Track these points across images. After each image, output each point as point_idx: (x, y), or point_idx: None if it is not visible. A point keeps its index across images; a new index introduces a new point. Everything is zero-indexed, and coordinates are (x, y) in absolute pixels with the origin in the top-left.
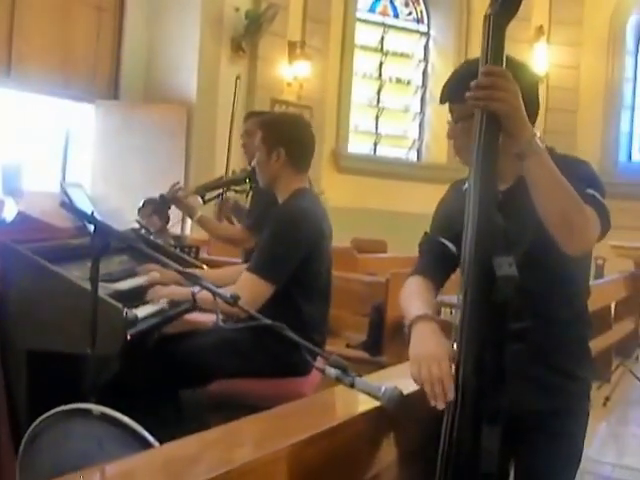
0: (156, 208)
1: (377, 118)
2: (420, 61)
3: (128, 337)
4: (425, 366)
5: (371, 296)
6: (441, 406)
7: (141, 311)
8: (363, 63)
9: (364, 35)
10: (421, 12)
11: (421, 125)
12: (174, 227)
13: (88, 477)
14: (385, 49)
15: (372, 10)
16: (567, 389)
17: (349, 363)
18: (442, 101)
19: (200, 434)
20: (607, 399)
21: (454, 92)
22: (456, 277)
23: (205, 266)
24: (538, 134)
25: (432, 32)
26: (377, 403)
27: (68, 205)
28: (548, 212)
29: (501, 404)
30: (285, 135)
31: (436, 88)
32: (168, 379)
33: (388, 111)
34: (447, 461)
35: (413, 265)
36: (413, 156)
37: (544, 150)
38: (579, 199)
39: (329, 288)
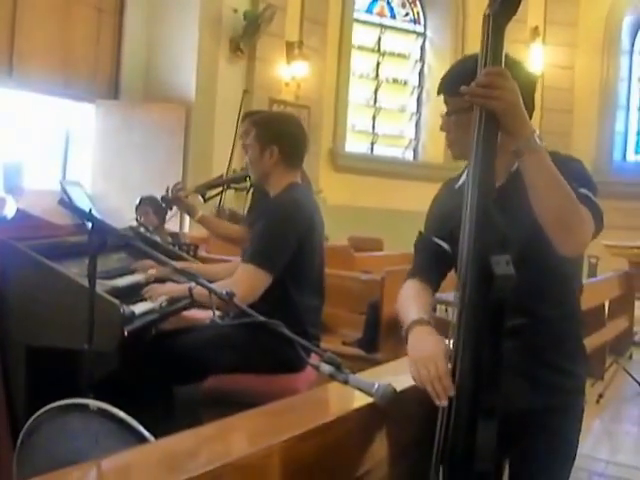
0: (156, 209)
1: (374, 118)
2: (417, 61)
3: (125, 333)
4: (423, 367)
5: (367, 294)
6: (444, 403)
7: (138, 308)
8: (360, 63)
9: (361, 35)
10: (418, 13)
11: (417, 125)
12: (172, 224)
13: (85, 471)
14: (382, 49)
15: (369, 11)
16: (562, 386)
17: (345, 360)
18: (438, 93)
19: (195, 429)
20: (600, 396)
21: (449, 85)
22: (452, 275)
23: (199, 263)
24: (537, 132)
25: (428, 33)
26: (370, 400)
27: (66, 203)
28: (545, 211)
29: (497, 402)
30: (278, 133)
31: (433, 88)
32: (164, 375)
33: (385, 111)
34: (442, 458)
35: (409, 264)
36: (409, 155)
37: (543, 148)
38: (576, 199)
39: (322, 280)
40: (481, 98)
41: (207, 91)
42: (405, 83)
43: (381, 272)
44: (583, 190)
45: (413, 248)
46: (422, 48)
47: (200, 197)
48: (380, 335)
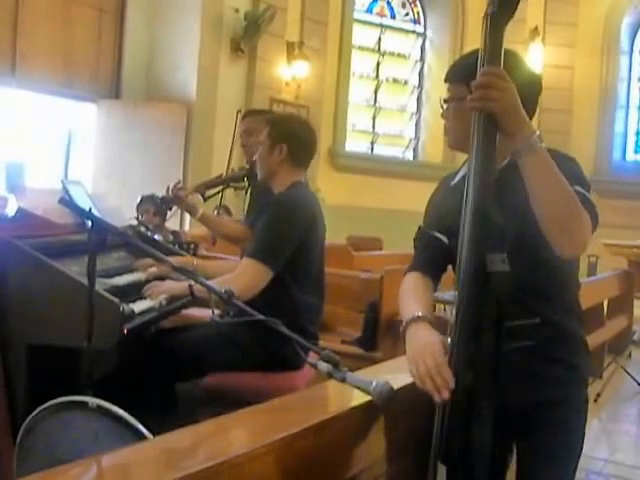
0: (156, 209)
1: (374, 117)
2: (417, 61)
3: (125, 331)
4: (421, 362)
5: (366, 293)
6: (446, 396)
7: (138, 306)
8: (360, 63)
9: (361, 36)
10: (418, 13)
11: (417, 124)
12: (172, 223)
13: (84, 467)
14: (382, 49)
15: (369, 11)
16: (562, 378)
17: (344, 359)
18: (445, 80)
19: (194, 426)
20: (598, 395)
21: (451, 72)
22: (450, 274)
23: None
24: (538, 132)
25: (428, 33)
26: (368, 397)
27: (66, 201)
28: (546, 213)
29: (494, 398)
30: (289, 132)
31: (432, 88)
32: (164, 372)
33: (385, 111)
34: (439, 455)
35: (409, 262)
36: (409, 155)
37: (543, 149)
38: (578, 201)
39: (322, 278)
40: (479, 100)
41: (208, 91)
42: (405, 83)
43: (381, 271)
44: (578, 188)
45: (413, 243)
46: (422, 48)
47: (200, 196)
48: (379, 334)
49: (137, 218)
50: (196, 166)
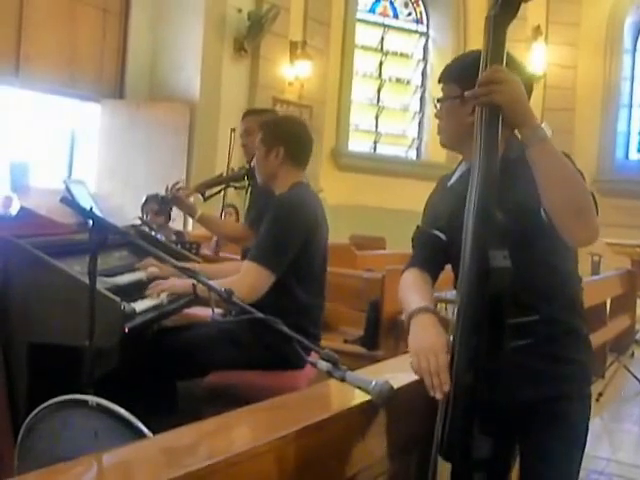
0: (158, 208)
1: (377, 117)
2: (419, 61)
3: (126, 330)
4: (424, 358)
5: (368, 292)
6: (439, 396)
7: (140, 305)
8: (363, 63)
9: (364, 35)
10: (420, 13)
11: (420, 124)
12: (176, 223)
13: (85, 465)
14: (385, 49)
15: (372, 11)
16: (564, 374)
17: (346, 358)
18: (438, 81)
19: (194, 425)
20: (600, 395)
21: (444, 72)
22: (450, 274)
23: (202, 261)
24: (544, 124)
25: (431, 32)
26: (368, 397)
27: (67, 200)
28: (559, 199)
29: (495, 396)
30: (284, 134)
31: (435, 88)
32: (166, 371)
33: (388, 110)
34: (441, 453)
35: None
36: (412, 154)
37: (549, 138)
38: (586, 186)
39: (324, 278)
40: (484, 95)
41: (211, 90)
42: (408, 82)
43: (383, 270)
44: None
45: (411, 242)
46: (425, 48)
47: (200, 196)
48: (381, 333)
49: (141, 217)
50: (199, 166)
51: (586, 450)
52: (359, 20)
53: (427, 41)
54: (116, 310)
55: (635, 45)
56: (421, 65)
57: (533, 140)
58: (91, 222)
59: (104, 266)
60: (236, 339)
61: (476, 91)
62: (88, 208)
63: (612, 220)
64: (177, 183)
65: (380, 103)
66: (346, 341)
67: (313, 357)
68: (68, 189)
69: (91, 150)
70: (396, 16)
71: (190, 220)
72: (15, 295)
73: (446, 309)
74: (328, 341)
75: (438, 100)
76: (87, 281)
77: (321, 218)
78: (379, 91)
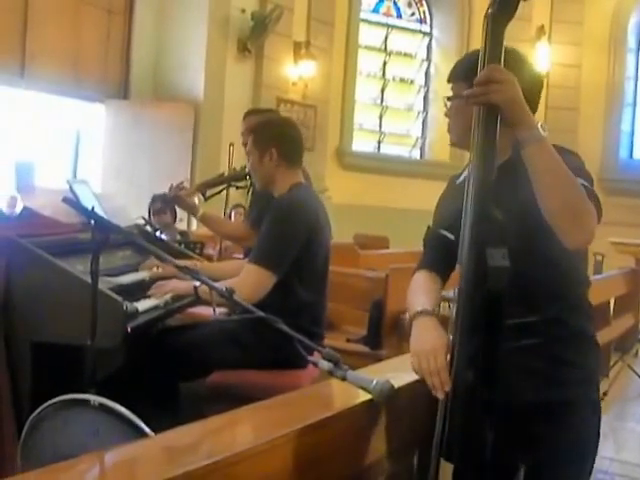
0: (162, 207)
1: (381, 117)
2: (423, 61)
3: (128, 330)
4: (424, 359)
5: (371, 291)
6: (441, 396)
7: (142, 304)
8: (367, 63)
9: (368, 35)
10: (424, 13)
11: (424, 123)
12: (182, 223)
13: (87, 463)
14: (388, 49)
15: (376, 11)
16: (570, 380)
17: (349, 357)
18: (448, 81)
19: (196, 423)
20: (605, 394)
21: (453, 71)
22: (455, 273)
23: (204, 260)
24: (540, 124)
25: (435, 32)
26: (370, 396)
27: (70, 200)
28: (552, 201)
29: (494, 397)
30: (275, 135)
31: (439, 87)
32: (168, 371)
33: (392, 110)
34: (441, 453)
35: (415, 260)
36: (416, 154)
37: (545, 138)
38: (582, 188)
39: (327, 278)
40: (480, 94)
41: (215, 90)
42: (411, 82)
43: (387, 270)
44: (581, 181)
45: (422, 243)
46: (428, 47)
47: (201, 196)
48: (384, 332)
49: (145, 217)
50: (203, 165)
51: None
52: (363, 20)
53: (431, 41)
54: (118, 310)
55: (639, 44)
56: (425, 65)
57: (530, 140)
58: (93, 222)
59: (107, 266)
60: (239, 339)
61: (474, 90)
62: (90, 208)
63: (616, 219)
64: (182, 183)
65: (384, 103)
66: (349, 340)
67: (315, 356)
68: (71, 189)
69: (96, 150)
70: (400, 16)
71: (193, 220)
72: (18, 294)
73: (449, 307)
74: (331, 340)
75: (447, 99)
76: (90, 281)
77: (323, 218)
78: (383, 91)
